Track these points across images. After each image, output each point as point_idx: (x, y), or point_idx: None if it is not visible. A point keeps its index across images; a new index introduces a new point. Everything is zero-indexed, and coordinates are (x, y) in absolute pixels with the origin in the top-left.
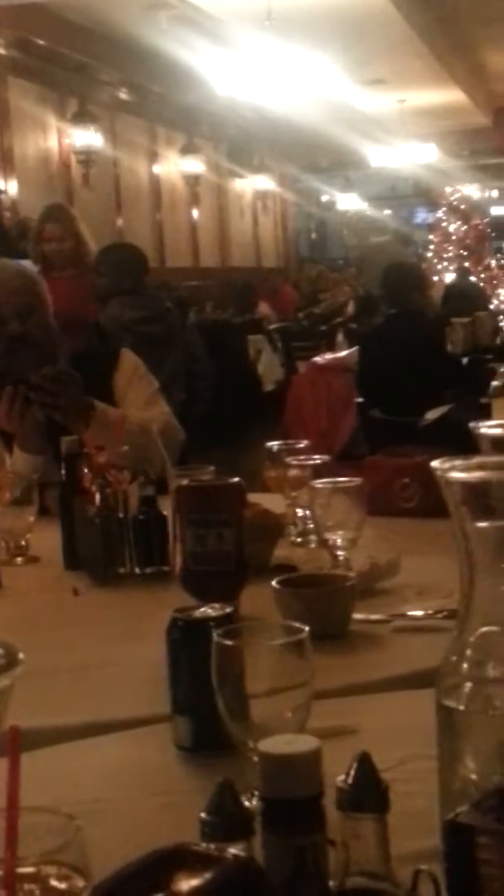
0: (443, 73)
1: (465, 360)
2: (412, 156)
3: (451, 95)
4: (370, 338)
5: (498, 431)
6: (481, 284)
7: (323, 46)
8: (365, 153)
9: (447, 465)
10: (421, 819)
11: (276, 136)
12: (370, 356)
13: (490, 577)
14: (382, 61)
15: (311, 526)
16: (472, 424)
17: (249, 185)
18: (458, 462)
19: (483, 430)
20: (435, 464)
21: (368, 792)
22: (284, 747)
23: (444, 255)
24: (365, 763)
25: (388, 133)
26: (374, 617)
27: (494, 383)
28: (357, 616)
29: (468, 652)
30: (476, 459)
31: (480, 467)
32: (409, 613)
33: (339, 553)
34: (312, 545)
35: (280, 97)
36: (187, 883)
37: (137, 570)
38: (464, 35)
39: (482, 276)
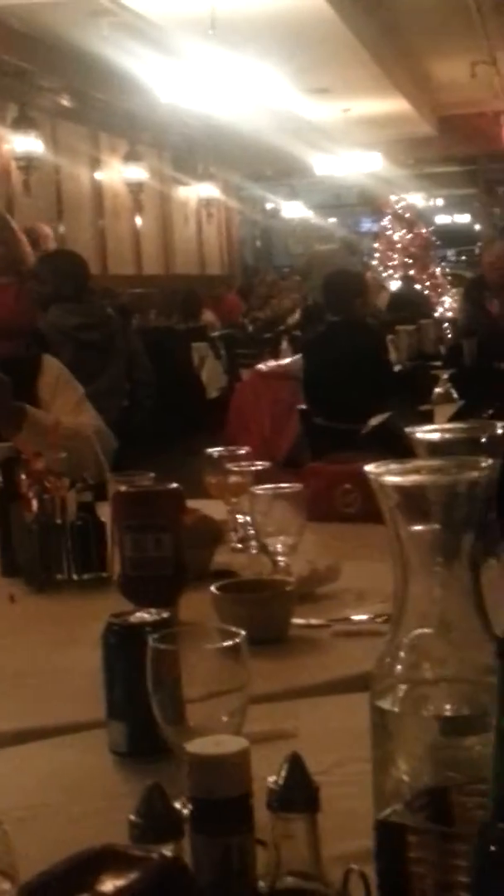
0: (387, 83)
1: (408, 368)
2: (357, 164)
3: (395, 104)
4: (313, 345)
5: (434, 436)
6: (426, 292)
7: (267, 55)
8: (310, 161)
9: (381, 469)
10: (355, 820)
11: (221, 143)
12: (313, 363)
13: (423, 580)
14: (327, 70)
15: (252, 532)
16: (408, 430)
17: (194, 192)
18: (391, 466)
19: (419, 436)
20: (369, 468)
21: (298, 792)
22: (212, 748)
23: (389, 264)
24: (295, 764)
25: (333, 142)
26: (313, 622)
27: (437, 390)
28: (296, 621)
29: (402, 654)
30: (409, 463)
31: (413, 471)
32: (348, 618)
33: (280, 559)
34: (253, 551)
35: (224, 105)
36: (112, 883)
37: (75, 577)
38: (408, 45)
39: (427, 284)
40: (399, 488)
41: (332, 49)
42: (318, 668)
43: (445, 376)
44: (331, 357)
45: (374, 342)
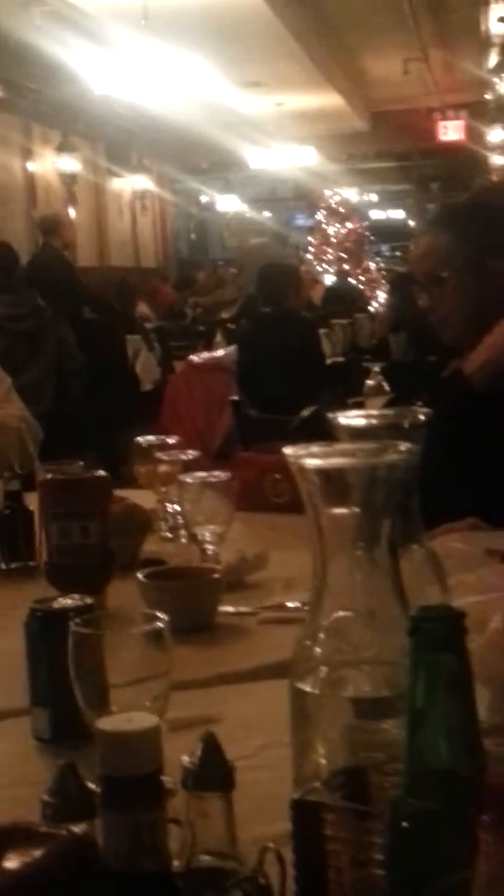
0: (320, 78)
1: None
2: (291, 158)
3: (329, 99)
4: (246, 337)
5: (356, 422)
6: (361, 287)
7: (199, 48)
8: (244, 155)
9: (301, 452)
10: (277, 803)
11: (155, 136)
12: (246, 355)
13: (343, 564)
14: (260, 64)
15: (181, 521)
16: (330, 415)
17: (128, 184)
18: (311, 450)
19: (342, 422)
20: (288, 451)
21: (213, 771)
22: (122, 725)
23: (324, 258)
24: (210, 743)
25: (267, 135)
26: (240, 609)
27: (369, 382)
28: (224, 609)
29: (321, 637)
30: (327, 447)
31: (333, 455)
32: (276, 605)
33: (208, 547)
34: (183, 540)
35: (157, 97)
36: (18, 859)
37: (3, 566)
38: (341, 40)
39: (361, 278)
40: (319, 471)
41: (265, 42)
42: (244, 654)
43: (377, 369)
44: (264, 349)
45: (308, 335)
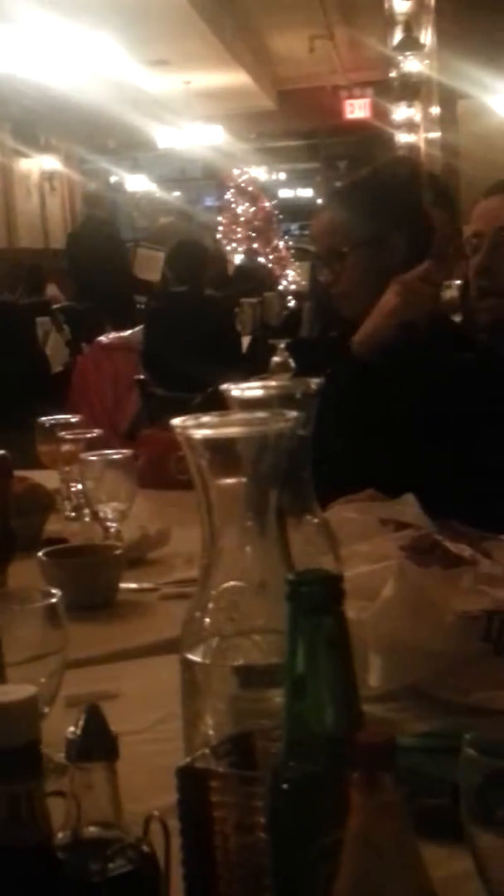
0: (227, 56)
1: (250, 339)
2: (199, 138)
3: (236, 78)
4: (156, 315)
5: (249, 394)
6: (270, 266)
7: (105, 25)
8: (152, 134)
9: (188, 423)
10: (170, 775)
11: (62, 115)
12: (156, 334)
13: (232, 535)
14: (166, 42)
15: (84, 500)
16: (223, 387)
17: (36, 165)
18: (197, 420)
19: (234, 393)
20: (175, 422)
21: (97, 741)
22: None
23: (233, 237)
24: (93, 714)
25: (175, 114)
26: (142, 585)
27: (275, 359)
28: (126, 585)
29: (211, 607)
30: (214, 417)
31: (218, 425)
32: (177, 581)
33: (111, 525)
34: (87, 519)
35: (63, 75)
36: None
37: None
38: (247, 18)
39: (270, 257)
40: (206, 442)
41: (171, 20)
42: (144, 630)
43: (282, 346)
44: (174, 327)
45: (220, 313)
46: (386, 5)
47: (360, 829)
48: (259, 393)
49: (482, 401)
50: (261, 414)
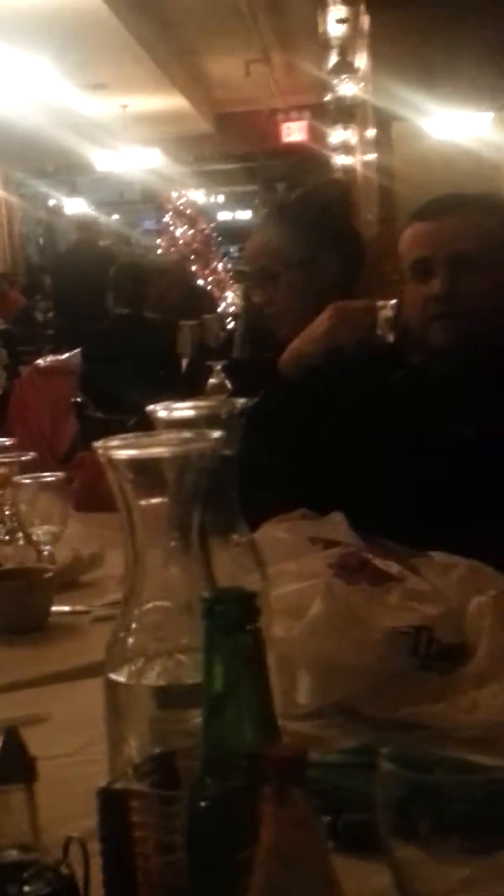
0: (164, 80)
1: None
2: (137, 161)
3: (173, 102)
4: (97, 338)
5: (175, 414)
6: (209, 288)
7: (41, 49)
8: (90, 158)
9: (110, 444)
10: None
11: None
12: (95, 357)
13: (155, 554)
14: (103, 66)
15: (17, 523)
16: (149, 408)
17: None
18: (119, 441)
19: (160, 414)
20: (97, 444)
21: (15, 763)
22: None
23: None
24: (11, 737)
25: (113, 138)
26: (74, 608)
27: (211, 381)
28: (58, 608)
29: (135, 626)
30: (136, 438)
31: (139, 445)
32: (109, 603)
33: (44, 548)
34: (21, 542)
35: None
36: None
37: None
38: (183, 42)
39: (210, 279)
40: (127, 462)
41: (107, 45)
42: (76, 653)
43: (219, 367)
44: (112, 350)
45: (158, 336)
46: (320, 30)
47: (271, 842)
48: (185, 414)
49: (411, 420)
50: (183, 434)
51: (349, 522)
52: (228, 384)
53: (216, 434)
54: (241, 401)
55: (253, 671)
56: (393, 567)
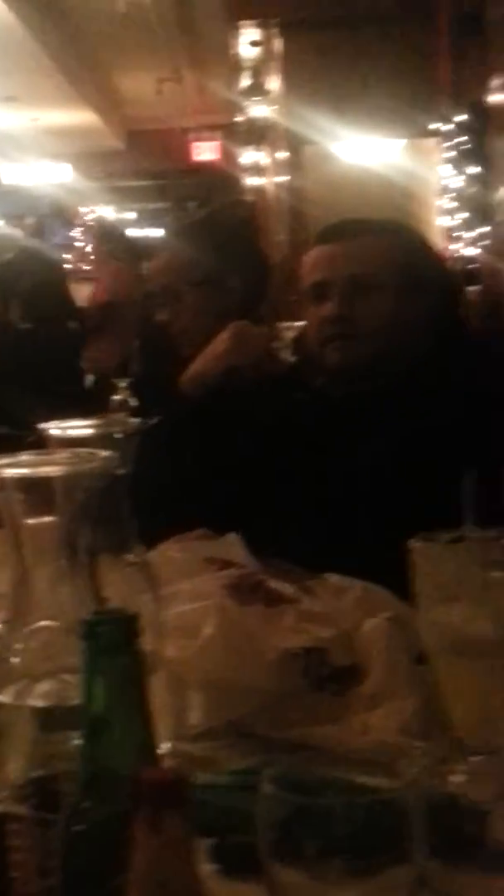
0: (75, 94)
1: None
2: (47, 175)
3: (84, 117)
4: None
5: (69, 433)
6: None
7: None
8: None
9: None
10: None
11: None
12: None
13: (44, 574)
14: (13, 78)
15: None
16: (41, 426)
17: None
18: (7, 460)
19: (53, 432)
20: None
21: None
22: None
23: (81, 275)
24: None
25: (22, 151)
26: None
27: (114, 398)
28: None
29: (21, 647)
30: (24, 457)
31: (28, 464)
32: None
33: None
34: None
35: None
36: None
37: None
38: (95, 58)
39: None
40: (14, 481)
41: (18, 57)
42: None
43: (123, 384)
44: (13, 365)
45: (62, 352)
46: (233, 51)
47: (143, 867)
48: (78, 432)
49: (309, 441)
50: (71, 453)
51: (247, 543)
52: (132, 401)
53: (105, 454)
54: (135, 420)
55: (133, 693)
56: (287, 588)
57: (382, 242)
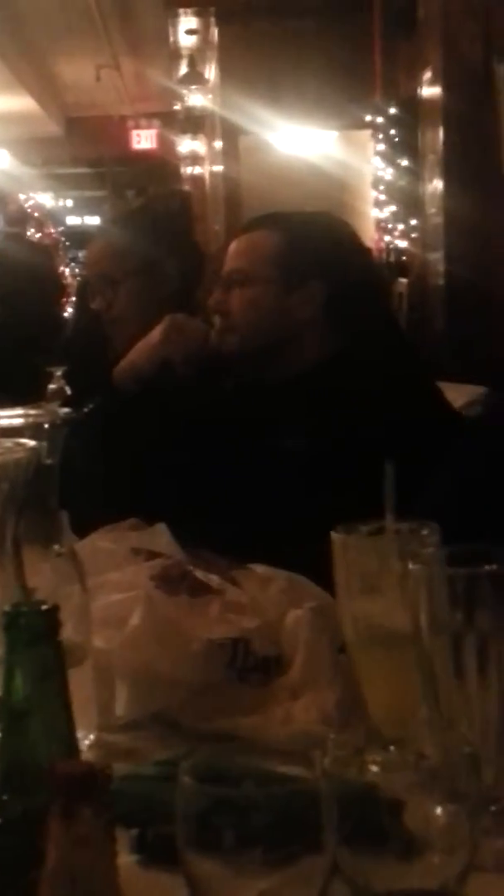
0: (13, 80)
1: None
2: None
3: (22, 103)
4: None
5: None
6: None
7: None
8: None
9: None
10: None
11: None
12: None
13: None
14: None
15: None
16: None
17: None
18: None
19: None
20: None
21: None
22: None
23: None
24: None
25: None
26: None
27: (51, 387)
28: None
29: None
30: None
31: None
32: None
33: None
34: None
35: None
36: None
37: None
38: (32, 43)
39: None
40: None
41: None
42: None
43: (59, 373)
44: None
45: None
46: (171, 39)
47: (56, 861)
48: (7, 422)
49: (237, 430)
50: None
51: (174, 533)
52: (68, 390)
53: (31, 444)
54: (64, 410)
55: (52, 685)
56: (213, 579)
57: (265, 237)
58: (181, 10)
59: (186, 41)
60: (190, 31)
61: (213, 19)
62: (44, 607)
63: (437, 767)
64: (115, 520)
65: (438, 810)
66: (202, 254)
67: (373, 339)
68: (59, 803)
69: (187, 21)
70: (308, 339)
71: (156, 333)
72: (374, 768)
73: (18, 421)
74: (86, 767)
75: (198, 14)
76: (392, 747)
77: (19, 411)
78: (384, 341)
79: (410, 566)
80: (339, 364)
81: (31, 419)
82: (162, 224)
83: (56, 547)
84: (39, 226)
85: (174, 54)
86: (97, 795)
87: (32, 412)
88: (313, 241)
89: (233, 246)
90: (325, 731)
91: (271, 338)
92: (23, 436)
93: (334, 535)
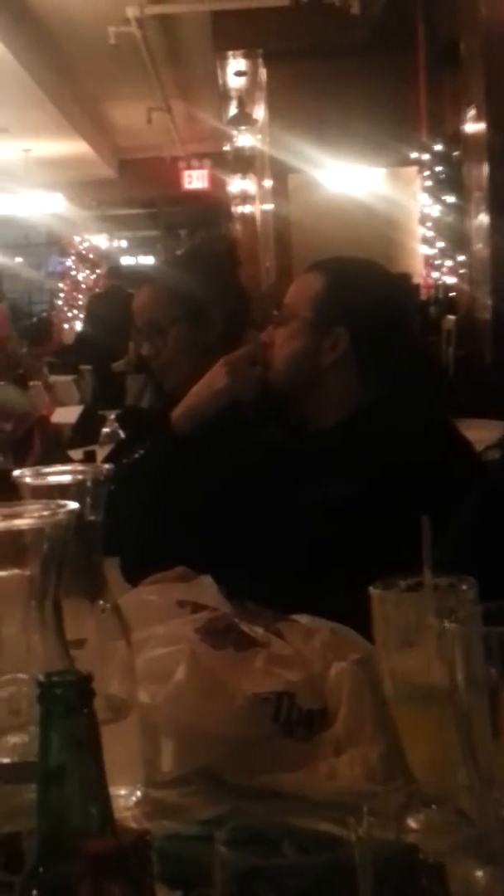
0: (67, 125)
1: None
2: (40, 205)
3: (76, 147)
4: None
5: (37, 480)
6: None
7: None
8: None
9: None
10: None
11: None
12: None
13: (13, 626)
14: (5, 110)
15: None
16: (16, 473)
17: None
18: None
19: (26, 479)
20: None
21: None
22: None
23: (74, 304)
24: None
25: (15, 182)
26: None
27: (104, 430)
28: None
29: None
30: None
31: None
32: None
33: None
34: None
35: None
36: None
37: None
38: (86, 89)
39: None
40: None
41: (10, 90)
42: None
43: (112, 416)
44: None
45: None
46: (220, 81)
47: None
48: (49, 480)
49: (282, 480)
50: (39, 504)
51: (221, 585)
52: (122, 433)
53: (72, 506)
54: (106, 467)
55: (87, 754)
56: (258, 632)
57: (312, 279)
58: (230, 53)
59: (235, 83)
60: (238, 73)
61: (260, 60)
62: (76, 677)
63: (478, 829)
64: (164, 567)
65: (479, 873)
66: (247, 298)
67: (401, 391)
68: (88, 881)
69: (236, 63)
70: (337, 384)
71: (218, 377)
72: (415, 826)
73: (66, 478)
74: (114, 845)
75: (246, 56)
76: (434, 806)
77: (66, 467)
78: (414, 393)
79: (446, 624)
80: (371, 415)
81: (76, 477)
82: (207, 270)
83: (101, 602)
84: (94, 266)
85: (223, 95)
86: (126, 873)
87: (78, 468)
88: (347, 288)
89: (292, 285)
90: (369, 787)
91: (300, 378)
92: (69, 492)
93: (372, 591)
